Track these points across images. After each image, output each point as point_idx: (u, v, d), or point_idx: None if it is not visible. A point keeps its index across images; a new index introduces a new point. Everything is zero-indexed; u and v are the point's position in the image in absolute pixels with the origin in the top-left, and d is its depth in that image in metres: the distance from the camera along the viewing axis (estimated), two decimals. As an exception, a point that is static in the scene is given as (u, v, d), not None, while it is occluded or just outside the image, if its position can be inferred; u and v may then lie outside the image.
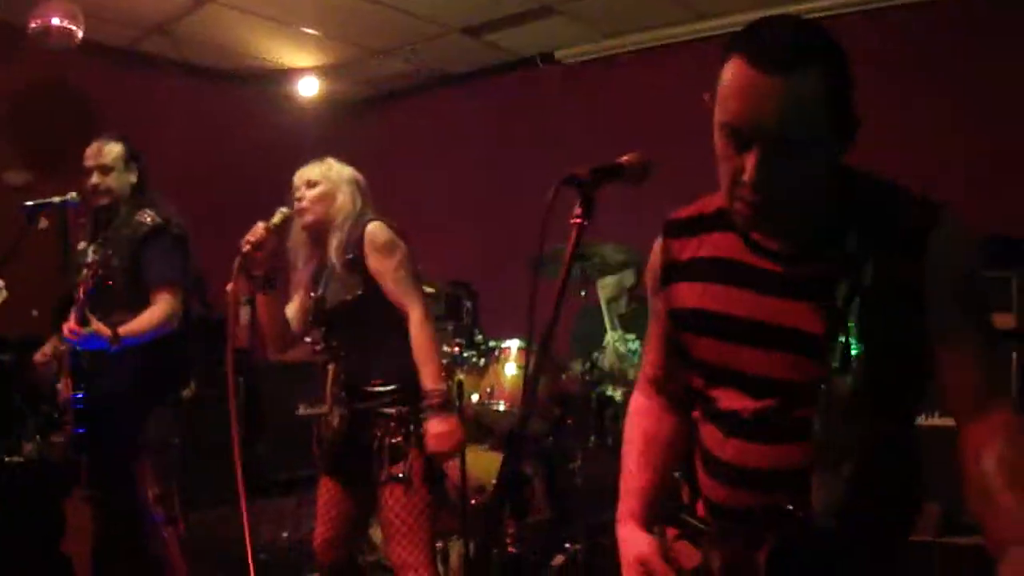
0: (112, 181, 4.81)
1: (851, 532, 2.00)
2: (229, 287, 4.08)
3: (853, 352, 1.93)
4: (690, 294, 2.30)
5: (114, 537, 4.95)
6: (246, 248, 3.99)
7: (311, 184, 4.21)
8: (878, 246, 1.98)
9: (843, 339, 1.94)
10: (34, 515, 5.87)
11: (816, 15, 6.76)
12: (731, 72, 1.96)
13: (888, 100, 6.19)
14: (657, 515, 2.46)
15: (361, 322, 4.13)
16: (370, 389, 4.10)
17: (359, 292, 4.09)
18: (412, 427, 4.05)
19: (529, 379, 2.22)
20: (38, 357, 5.02)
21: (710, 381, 2.26)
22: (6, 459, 6.05)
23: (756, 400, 2.15)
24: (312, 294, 4.28)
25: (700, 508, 2.36)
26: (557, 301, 2.10)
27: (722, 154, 2.02)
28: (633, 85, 7.98)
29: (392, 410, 4.06)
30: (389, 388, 4.09)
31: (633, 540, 2.41)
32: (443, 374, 4.13)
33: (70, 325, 4.53)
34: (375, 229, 4.12)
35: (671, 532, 2.38)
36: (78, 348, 4.62)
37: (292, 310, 4.40)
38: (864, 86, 2.00)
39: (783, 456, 2.10)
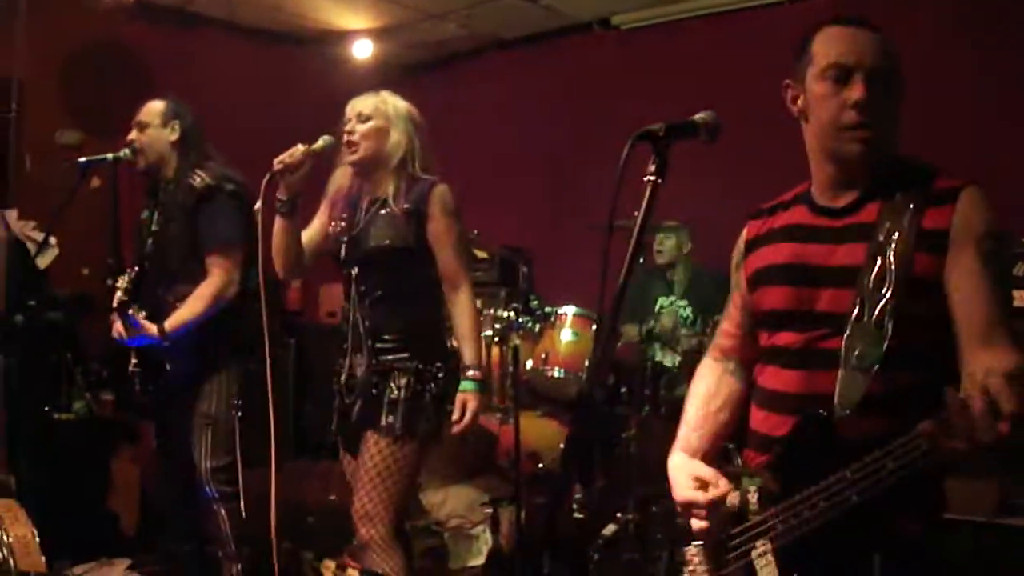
0: (146, 138, 4.71)
1: (865, 425, 2.23)
2: (257, 206, 4.02)
3: (888, 278, 2.28)
4: (764, 255, 2.62)
5: (166, 502, 4.94)
6: (278, 167, 3.91)
7: (363, 117, 4.07)
8: (917, 198, 2.34)
9: (879, 265, 2.30)
10: (83, 473, 5.90)
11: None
12: (829, 33, 2.46)
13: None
14: (707, 458, 2.72)
15: (398, 271, 4.04)
16: (390, 342, 4.02)
17: (408, 243, 4.01)
18: (430, 384, 4.00)
19: (599, 345, 2.21)
20: (115, 332, 4.88)
21: (773, 328, 2.57)
22: (56, 416, 6.06)
23: (805, 332, 2.44)
24: (343, 225, 4.17)
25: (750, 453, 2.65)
26: (628, 268, 2.15)
27: (825, 96, 2.40)
28: (690, 52, 7.87)
29: (412, 364, 4.00)
30: (408, 343, 4.03)
31: (682, 464, 2.68)
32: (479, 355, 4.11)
33: (118, 329, 4.51)
34: (446, 192, 4.05)
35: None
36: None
37: (309, 234, 4.29)
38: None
39: (816, 382, 2.38)
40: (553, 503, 3.81)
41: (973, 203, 2.31)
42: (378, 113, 4.07)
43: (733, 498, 2.49)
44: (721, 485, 2.53)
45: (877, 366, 2.25)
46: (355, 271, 4.09)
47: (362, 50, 9.18)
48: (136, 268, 4.67)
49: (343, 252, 4.13)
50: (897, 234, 2.31)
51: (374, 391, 4.01)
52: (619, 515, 5.46)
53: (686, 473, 2.63)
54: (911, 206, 2.33)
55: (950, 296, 2.29)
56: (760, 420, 2.58)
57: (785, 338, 2.50)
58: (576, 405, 5.82)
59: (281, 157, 3.91)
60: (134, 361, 4.67)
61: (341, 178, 4.26)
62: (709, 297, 6.65)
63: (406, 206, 4.00)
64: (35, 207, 6.11)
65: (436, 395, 4.02)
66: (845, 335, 2.32)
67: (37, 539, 4.21)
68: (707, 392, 2.83)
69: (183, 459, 4.73)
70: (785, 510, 2.32)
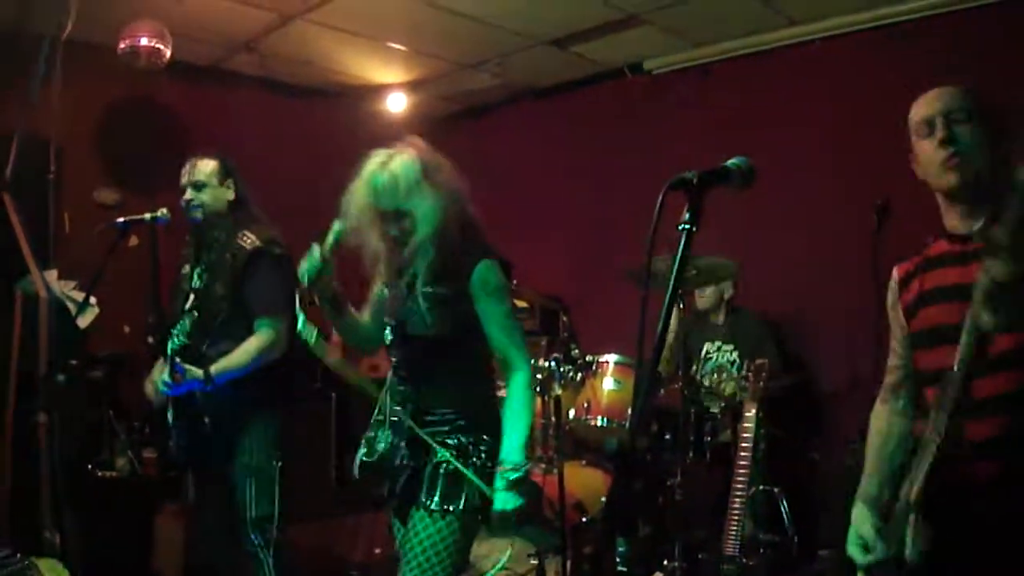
0: (205, 197, 4.76)
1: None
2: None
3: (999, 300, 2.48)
4: (916, 287, 3.04)
5: (209, 555, 4.95)
6: (304, 284, 3.72)
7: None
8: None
9: (990, 286, 2.46)
10: (126, 530, 5.91)
11: (903, 18, 6.70)
12: (916, 102, 2.96)
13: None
14: (885, 497, 3.07)
15: (441, 357, 3.83)
16: (434, 418, 3.84)
17: (449, 330, 3.76)
18: (473, 459, 3.79)
19: (640, 394, 2.20)
20: (150, 389, 4.92)
21: (929, 345, 2.94)
22: (99, 474, 6.08)
23: (949, 346, 2.69)
24: (387, 305, 3.95)
25: None
26: (666, 313, 2.13)
27: (923, 149, 2.91)
28: (724, 94, 7.86)
29: (454, 440, 3.80)
30: (454, 417, 3.83)
31: (861, 517, 3.05)
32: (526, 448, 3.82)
33: (165, 379, 4.51)
34: (489, 269, 3.77)
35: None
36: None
37: (370, 313, 4.12)
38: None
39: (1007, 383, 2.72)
40: (596, 560, 3.74)
41: None
42: (400, 198, 3.67)
43: None
44: (878, 550, 2.92)
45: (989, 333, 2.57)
46: (395, 358, 3.95)
47: (396, 103, 9.22)
48: (182, 322, 4.76)
49: (387, 336, 3.94)
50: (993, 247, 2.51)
51: (414, 465, 3.84)
52: (665, 563, 5.41)
53: (855, 530, 3.04)
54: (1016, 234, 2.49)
55: None
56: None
57: (942, 356, 2.76)
58: (617, 457, 5.78)
59: (301, 271, 3.70)
60: (171, 414, 4.70)
61: (375, 253, 3.88)
62: (753, 341, 6.61)
63: (442, 290, 3.75)
64: (75, 267, 6.15)
65: (481, 469, 3.80)
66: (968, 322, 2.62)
67: (80, 600, 4.20)
68: (880, 438, 3.23)
69: (223, 511, 4.77)
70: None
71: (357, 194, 3.75)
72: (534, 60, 8.39)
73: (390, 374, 4.01)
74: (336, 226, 3.72)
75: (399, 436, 3.88)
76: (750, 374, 5.45)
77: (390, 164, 3.72)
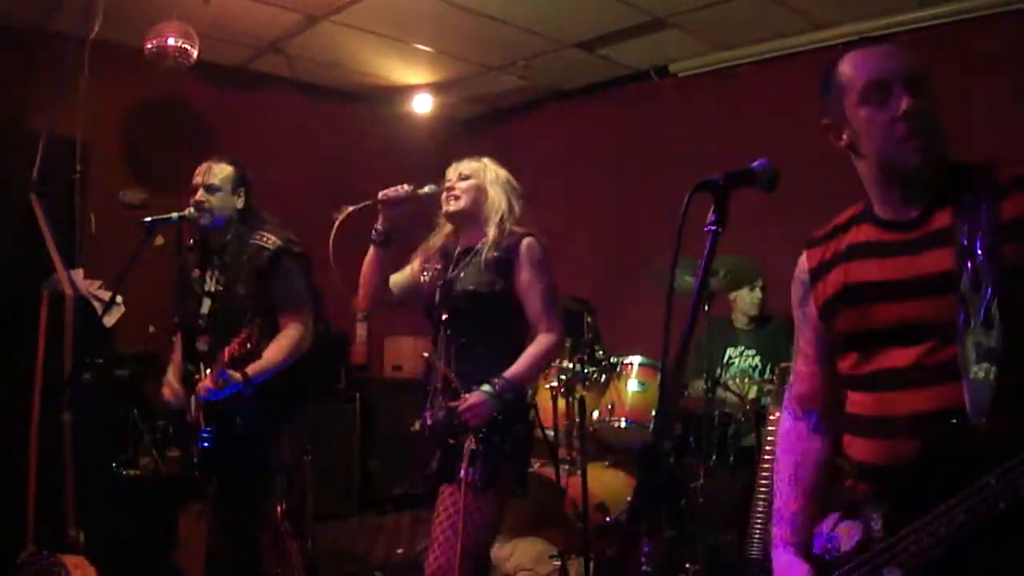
0: (217, 201, 4.76)
1: (1002, 431, 2.11)
2: (338, 217, 4.05)
3: (984, 276, 2.18)
4: (836, 279, 2.51)
5: (232, 551, 4.96)
6: (382, 198, 4.06)
7: (463, 176, 4.23)
8: (986, 194, 2.28)
9: (971, 267, 2.20)
10: (149, 528, 5.92)
11: (927, 24, 6.68)
12: (854, 57, 2.45)
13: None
14: (807, 533, 2.59)
15: (485, 319, 4.09)
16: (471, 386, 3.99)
17: (495, 292, 4.06)
18: (500, 436, 3.98)
19: (665, 395, 2.19)
20: (167, 394, 4.96)
21: (864, 350, 2.43)
22: (123, 473, 6.10)
23: (908, 348, 2.31)
24: (436, 271, 4.27)
25: (855, 486, 2.47)
26: (693, 315, 2.15)
27: (870, 118, 2.37)
28: (750, 97, 7.86)
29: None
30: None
31: (788, 567, 2.59)
32: (529, 385, 4.16)
33: (206, 384, 4.53)
34: (535, 243, 4.17)
35: (829, 521, 2.49)
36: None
37: (401, 277, 4.42)
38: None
39: (933, 398, 2.25)
40: (621, 560, 3.73)
41: None
42: (478, 174, 4.25)
43: (855, 529, 2.37)
44: None
45: (997, 366, 2.14)
46: (444, 316, 4.15)
47: (422, 104, 9.25)
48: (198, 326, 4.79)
49: (435, 298, 4.22)
50: (979, 233, 2.23)
51: (452, 442, 4.01)
52: (687, 565, 5.40)
53: None
54: (983, 204, 2.27)
55: None
56: (866, 449, 2.42)
57: (890, 359, 2.36)
58: (642, 458, 5.76)
59: (386, 191, 4.06)
60: (201, 417, 4.72)
61: (437, 237, 4.38)
62: (776, 345, 6.59)
63: (495, 255, 4.08)
64: (101, 266, 6.18)
65: (515, 447, 4.04)
66: (959, 345, 2.20)
67: (106, 596, 4.23)
68: (796, 463, 2.74)
69: (245, 511, 4.82)
70: (916, 531, 2.17)
71: (447, 172, 4.30)
72: (560, 62, 8.42)
73: (433, 351, 4.22)
74: (431, 184, 4.21)
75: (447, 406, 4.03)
76: (775, 377, 5.43)
77: (484, 159, 4.36)
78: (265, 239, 4.75)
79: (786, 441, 2.78)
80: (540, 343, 4.10)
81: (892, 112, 2.32)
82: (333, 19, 7.37)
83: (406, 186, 4.09)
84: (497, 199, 4.21)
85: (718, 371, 6.28)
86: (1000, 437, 2.09)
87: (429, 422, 4.13)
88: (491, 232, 4.14)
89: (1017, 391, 2.14)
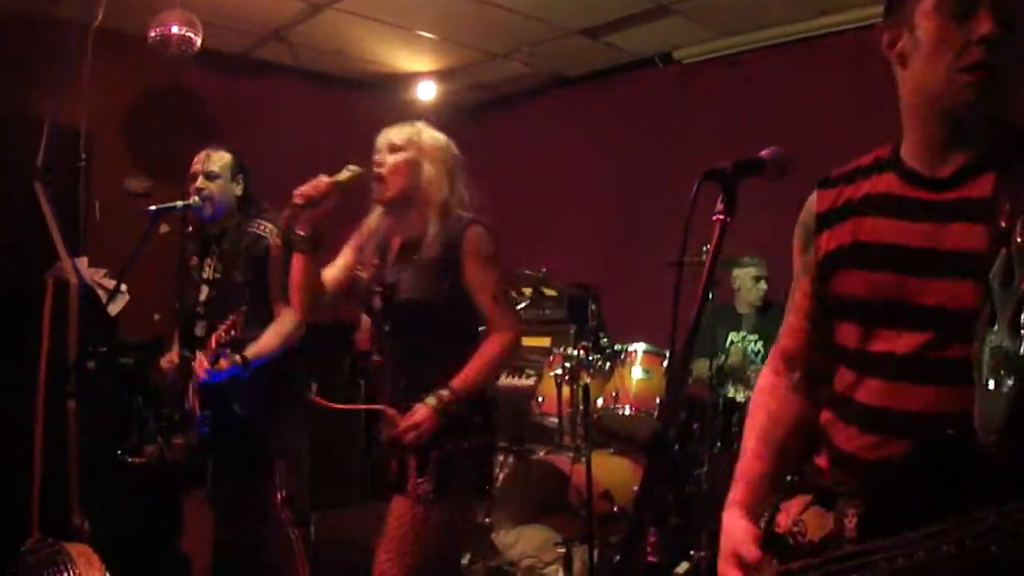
0: (216, 188, 4.75)
1: (1012, 453, 1.79)
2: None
3: (1021, 269, 1.84)
4: (846, 232, 2.22)
5: (234, 541, 4.98)
6: (299, 200, 3.63)
7: (394, 148, 3.81)
8: None
9: (1005, 254, 1.86)
10: (155, 516, 5.93)
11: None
12: None
13: None
14: (767, 502, 2.35)
15: (430, 326, 3.74)
16: (423, 398, 3.67)
17: (441, 296, 3.71)
18: (454, 445, 3.68)
19: (671, 384, 2.17)
20: (165, 364, 5.00)
21: (863, 322, 2.15)
22: (128, 460, 6.10)
23: (913, 333, 2.04)
24: (372, 271, 3.91)
25: (830, 471, 2.23)
26: (700, 304, 2.09)
27: (940, 30, 1.98)
28: (754, 84, 7.83)
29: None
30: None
31: (733, 529, 2.36)
32: (475, 395, 3.74)
33: (203, 365, 4.51)
34: (480, 235, 3.76)
35: (799, 502, 2.24)
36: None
37: (333, 272, 3.99)
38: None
39: (936, 399, 1.98)
40: (627, 548, 3.67)
41: None
42: (411, 144, 3.82)
43: (826, 520, 2.10)
44: (764, 573, 2.21)
45: (1019, 380, 1.79)
46: (387, 328, 3.87)
47: (426, 92, 9.23)
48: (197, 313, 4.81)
49: (374, 304, 3.90)
50: (1023, 215, 1.88)
51: (403, 450, 3.72)
52: (692, 552, 5.41)
53: (731, 544, 2.33)
54: None
55: None
56: (851, 437, 2.14)
57: (890, 341, 2.07)
58: (649, 447, 5.76)
59: (302, 189, 3.66)
60: (199, 404, 4.73)
61: (372, 219, 3.98)
62: (778, 331, 6.60)
63: (438, 252, 3.72)
64: (105, 255, 6.18)
65: (473, 448, 3.77)
66: (975, 342, 1.88)
67: (110, 584, 4.23)
68: (769, 421, 2.48)
69: (246, 497, 4.84)
70: (893, 547, 1.88)
71: (377, 140, 3.89)
72: (564, 49, 8.38)
73: (378, 356, 3.97)
74: (350, 166, 3.77)
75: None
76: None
77: (417, 123, 3.92)
78: (263, 228, 4.74)
79: (761, 396, 2.54)
80: (491, 344, 3.76)
81: (967, 33, 1.95)
82: (336, 6, 7.35)
83: (324, 177, 3.67)
84: (436, 179, 3.78)
85: (720, 356, 6.28)
86: (1008, 460, 1.80)
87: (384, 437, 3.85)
88: (431, 228, 3.74)
89: None
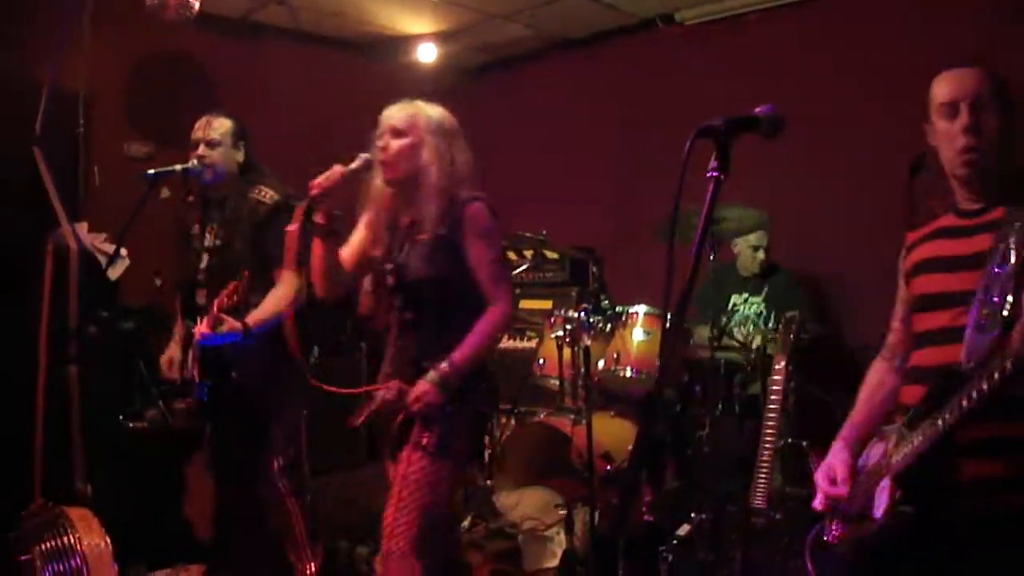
0: (217, 156, 4.76)
1: (988, 379, 2.47)
2: (291, 227, 3.92)
3: (1008, 258, 2.69)
4: (920, 252, 3.09)
5: (234, 506, 4.99)
6: (314, 193, 3.81)
7: (396, 132, 3.92)
8: None
9: (1002, 249, 2.71)
10: (157, 481, 5.95)
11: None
12: (941, 78, 2.96)
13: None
14: (864, 442, 3.15)
15: (439, 301, 3.96)
16: (431, 364, 3.88)
17: (446, 272, 3.92)
18: (456, 407, 3.89)
19: (666, 345, 2.21)
20: (165, 363, 5.04)
21: (925, 310, 3.00)
22: (130, 426, 6.11)
23: (945, 311, 2.86)
24: (385, 253, 4.07)
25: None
26: (695, 264, 2.15)
27: (943, 129, 2.91)
28: (755, 46, 7.82)
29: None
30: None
31: (834, 453, 3.16)
32: (473, 366, 3.93)
33: (202, 329, 4.51)
34: (479, 212, 3.95)
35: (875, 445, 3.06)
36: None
37: (348, 251, 4.16)
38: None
39: (954, 353, 2.75)
40: (622, 507, 3.72)
41: None
42: (413, 128, 3.94)
43: (878, 448, 3.00)
44: (840, 488, 3.02)
45: (998, 330, 2.63)
46: (398, 303, 4.06)
47: (426, 54, 9.19)
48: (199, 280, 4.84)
49: (387, 281, 4.08)
50: (1019, 224, 2.72)
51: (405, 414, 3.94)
52: (693, 515, 5.42)
53: (828, 463, 3.14)
54: None
55: None
56: (908, 393, 2.97)
57: (934, 320, 2.92)
58: (645, 405, 5.77)
59: (318, 180, 3.82)
60: (198, 371, 4.74)
61: (378, 195, 4.11)
62: (782, 294, 6.59)
63: (441, 232, 3.90)
64: (105, 219, 6.17)
65: (472, 414, 4.03)
66: (973, 309, 2.72)
67: (110, 548, 4.25)
68: (870, 389, 3.33)
69: (244, 463, 4.88)
70: (900, 448, 2.80)
71: (380, 121, 4.01)
72: (566, 10, 8.35)
73: (391, 328, 4.14)
74: (362, 155, 3.93)
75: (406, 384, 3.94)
76: (780, 326, 5.43)
77: (416, 102, 4.05)
78: (263, 194, 4.75)
79: (871, 374, 3.38)
80: (486, 319, 3.94)
81: (957, 126, 2.86)
82: (336, -32, 7.33)
83: (338, 167, 3.84)
84: (438, 160, 3.92)
85: (723, 319, 6.27)
86: (978, 379, 2.51)
87: (376, 407, 4.05)
88: (434, 207, 3.89)
89: (1007, 346, 2.58)
